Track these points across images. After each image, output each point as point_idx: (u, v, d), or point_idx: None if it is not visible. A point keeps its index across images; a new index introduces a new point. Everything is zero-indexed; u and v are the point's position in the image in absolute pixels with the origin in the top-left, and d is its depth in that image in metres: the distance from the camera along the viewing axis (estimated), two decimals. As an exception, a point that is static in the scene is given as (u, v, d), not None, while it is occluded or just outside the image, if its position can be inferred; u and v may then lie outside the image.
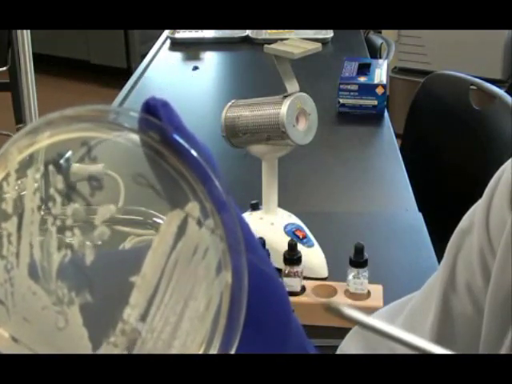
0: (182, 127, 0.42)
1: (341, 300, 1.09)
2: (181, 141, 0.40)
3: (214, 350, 0.40)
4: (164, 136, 0.40)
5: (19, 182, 0.40)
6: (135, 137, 0.40)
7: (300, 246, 1.13)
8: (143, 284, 0.40)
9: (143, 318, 0.40)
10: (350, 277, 1.09)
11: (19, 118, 2.63)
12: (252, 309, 0.42)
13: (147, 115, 0.41)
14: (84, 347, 0.41)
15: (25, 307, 0.41)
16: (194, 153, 0.40)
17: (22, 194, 0.40)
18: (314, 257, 1.20)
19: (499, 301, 0.58)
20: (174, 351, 0.41)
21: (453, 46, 3.37)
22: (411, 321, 0.67)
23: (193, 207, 0.40)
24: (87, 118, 0.40)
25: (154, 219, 0.42)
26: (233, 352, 0.40)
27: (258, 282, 0.43)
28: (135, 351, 0.40)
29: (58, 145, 0.40)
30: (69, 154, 0.40)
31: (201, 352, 0.41)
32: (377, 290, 1.11)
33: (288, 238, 1.15)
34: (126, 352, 0.40)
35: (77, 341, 0.41)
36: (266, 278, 0.46)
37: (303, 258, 1.11)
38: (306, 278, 1.14)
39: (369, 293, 1.10)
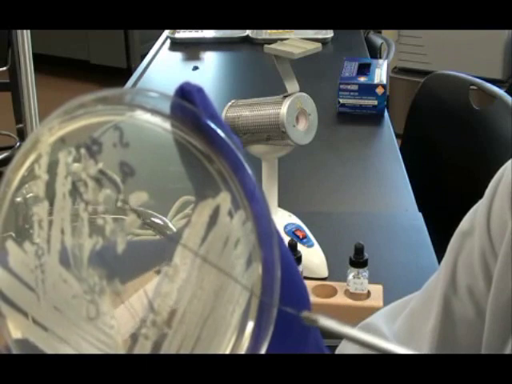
0: (216, 115, 0.40)
1: (341, 300, 1.09)
2: (215, 127, 0.39)
3: (245, 343, 0.40)
4: (198, 122, 0.39)
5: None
6: (167, 122, 0.39)
7: (300, 246, 1.13)
8: (174, 274, 0.39)
9: (173, 309, 0.39)
10: (350, 277, 1.09)
11: (19, 118, 2.63)
12: (282, 303, 0.40)
13: (181, 100, 0.39)
14: (114, 338, 0.40)
15: (55, 295, 0.40)
16: (228, 140, 0.39)
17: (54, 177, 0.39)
18: (314, 257, 1.20)
19: (501, 304, 0.57)
20: (202, 344, 0.40)
21: (453, 46, 3.37)
22: (411, 322, 0.67)
23: (224, 197, 0.39)
24: (118, 101, 0.39)
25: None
26: (265, 344, 0.39)
27: (287, 276, 0.42)
28: (165, 344, 0.40)
29: (91, 127, 0.39)
30: (101, 137, 0.39)
31: (231, 344, 0.40)
32: (377, 290, 1.11)
33: (288, 238, 1.14)
34: (155, 344, 0.39)
35: (107, 331, 0.40)
36: (294, 272, 0.45)
37: (303, 258, 1.11)
38: (306, 278, 1.14)
39: (369, 293, 1.10)
